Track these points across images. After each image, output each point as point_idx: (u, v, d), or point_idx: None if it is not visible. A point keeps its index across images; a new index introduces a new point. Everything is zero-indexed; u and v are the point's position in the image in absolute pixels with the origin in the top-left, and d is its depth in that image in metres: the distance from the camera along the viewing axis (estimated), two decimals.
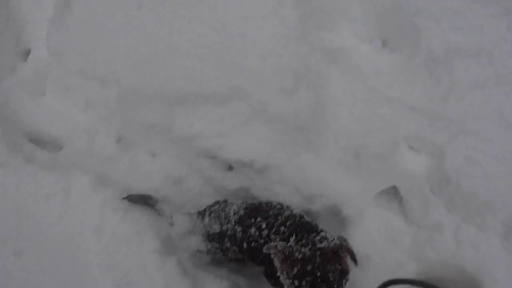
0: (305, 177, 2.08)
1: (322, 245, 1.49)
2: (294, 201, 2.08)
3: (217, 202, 2.05)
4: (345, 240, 1.55)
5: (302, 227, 1.72)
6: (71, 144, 2.25)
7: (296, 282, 1.43)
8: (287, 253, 1.47)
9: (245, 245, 1.82)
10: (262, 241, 1.76)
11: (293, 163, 2.11)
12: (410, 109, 2.22)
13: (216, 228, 1.87)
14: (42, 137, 2.28)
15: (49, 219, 1.92)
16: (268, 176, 2.14)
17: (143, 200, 2.14)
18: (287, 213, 1.83)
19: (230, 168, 2.32)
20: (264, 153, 2.13)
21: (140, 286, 1.74)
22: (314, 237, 1.59)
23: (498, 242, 2.05)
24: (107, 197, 1.95)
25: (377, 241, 2.12)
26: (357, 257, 1.55)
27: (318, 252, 1.46)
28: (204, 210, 2.01)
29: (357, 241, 2.07)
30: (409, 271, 2.10)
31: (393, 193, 2.34)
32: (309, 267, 1.42)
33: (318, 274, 1.41)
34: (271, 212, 1.85)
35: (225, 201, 2.03)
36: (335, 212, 2.05)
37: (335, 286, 1.42)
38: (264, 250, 1.53)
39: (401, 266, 2.08)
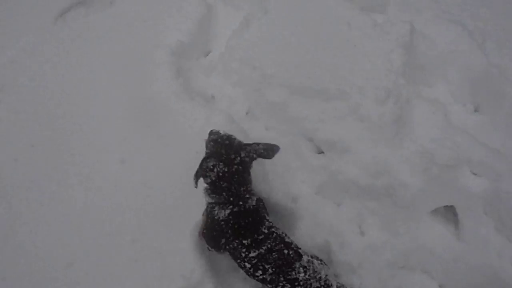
0: (376, 162, 2.60)
1: None
2: (361, 178, 2.61)
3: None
4: None
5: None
6: (216, 104, 3.24)
7: None
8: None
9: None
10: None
11: (369, 152, 2.67)
12: (480, 144, 2.64)
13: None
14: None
15: None
16: (346, 158, 2.72)
17: None
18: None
19: (321, 151, 2.97)
20: (349, 140, 2.75)
21: None
22: None
23: None
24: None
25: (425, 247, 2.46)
26: None
27: None
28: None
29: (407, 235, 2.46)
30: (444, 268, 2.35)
31: (451, 213, 2.66)
32: None
33: None
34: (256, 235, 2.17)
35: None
36: (391, 193, 2.49)
37: None
38: None
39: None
